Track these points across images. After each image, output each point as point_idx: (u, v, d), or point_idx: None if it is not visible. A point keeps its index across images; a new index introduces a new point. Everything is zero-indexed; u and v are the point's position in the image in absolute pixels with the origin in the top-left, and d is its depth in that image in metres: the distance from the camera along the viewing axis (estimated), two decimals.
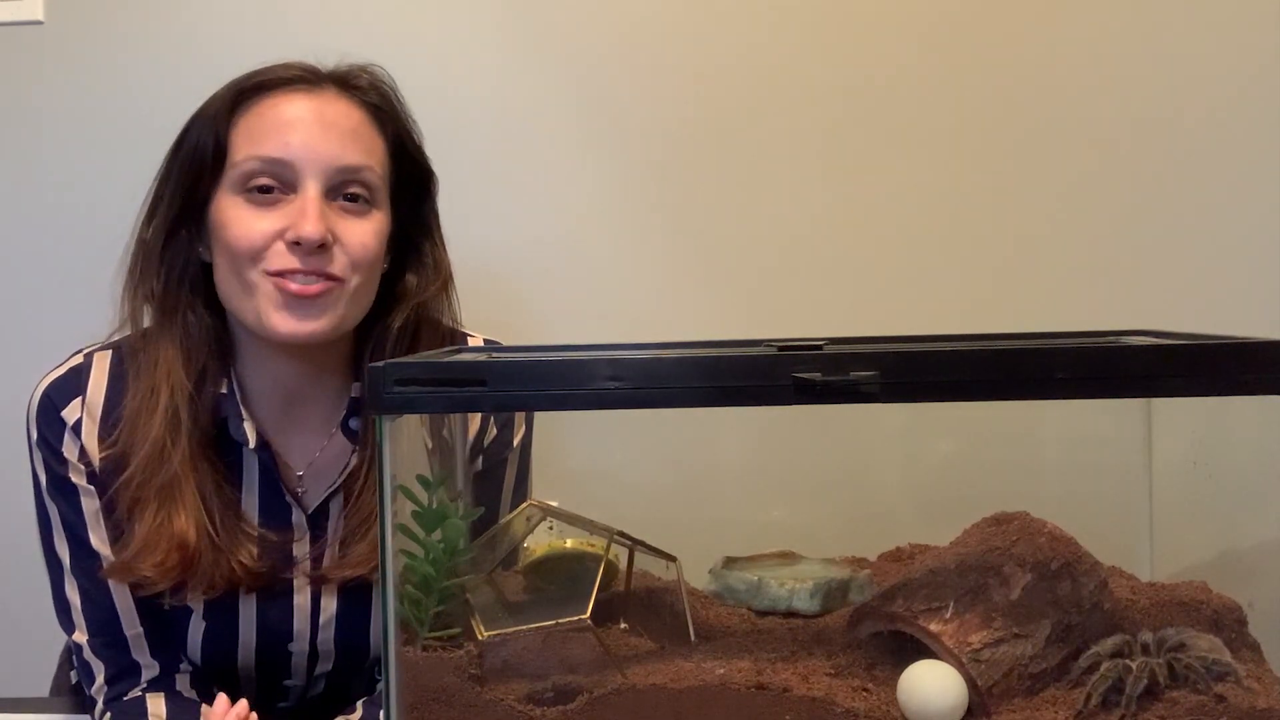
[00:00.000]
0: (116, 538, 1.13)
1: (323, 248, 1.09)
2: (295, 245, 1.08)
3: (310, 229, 1.07)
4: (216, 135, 1.11)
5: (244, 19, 1.64)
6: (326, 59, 1.16)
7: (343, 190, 1.12)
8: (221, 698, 1.06)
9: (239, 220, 1.10)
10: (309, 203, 1.09)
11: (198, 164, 1.12)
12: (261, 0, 1.64)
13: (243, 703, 1.06)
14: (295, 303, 1.09)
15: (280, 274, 1.09)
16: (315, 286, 1.09)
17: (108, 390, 1.16)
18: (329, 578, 1.17)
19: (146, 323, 1.17)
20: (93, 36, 1.65)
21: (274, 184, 1.10)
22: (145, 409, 1.12)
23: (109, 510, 1.14)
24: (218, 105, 1.12)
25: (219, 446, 1.15)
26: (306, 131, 1.10)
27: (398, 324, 1.18)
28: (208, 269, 1.15)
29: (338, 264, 1.10)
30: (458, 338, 1.24)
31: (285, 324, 1.09)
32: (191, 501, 1.11)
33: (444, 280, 1.22)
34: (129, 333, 1.17)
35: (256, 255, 1.09)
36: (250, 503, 1.17)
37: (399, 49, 1.60)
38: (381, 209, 1.15)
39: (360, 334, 1.19)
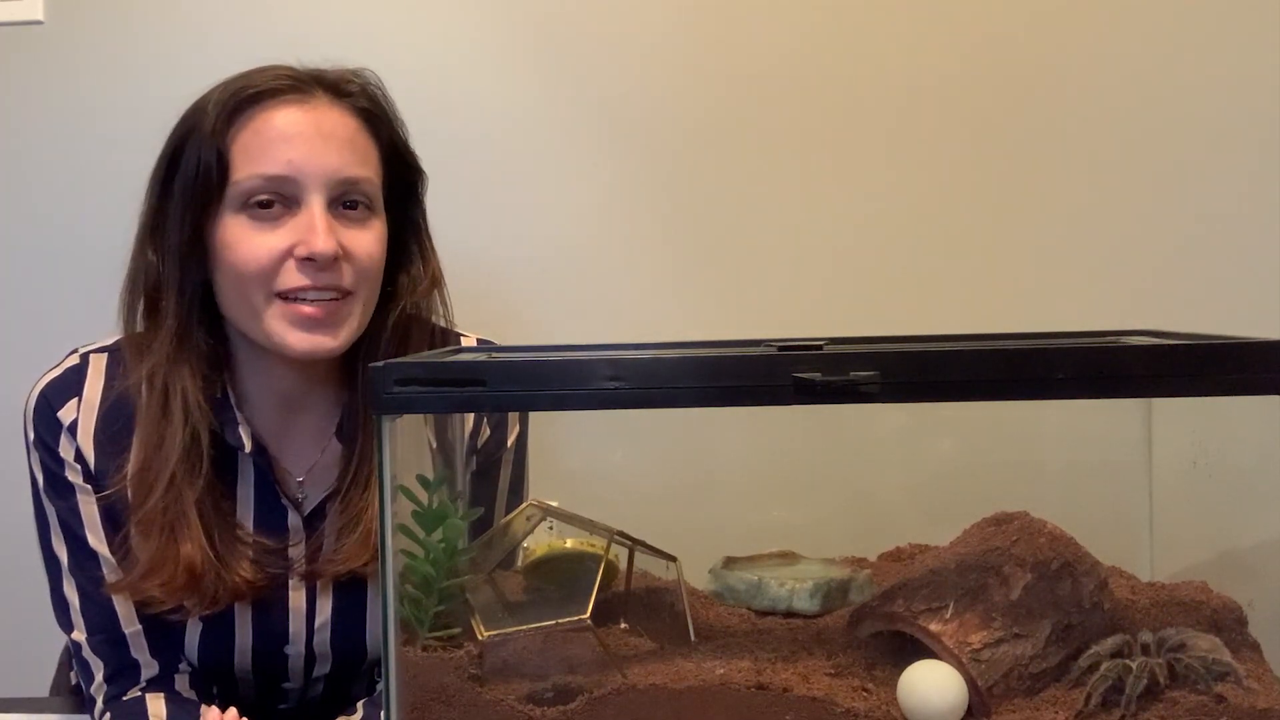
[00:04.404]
0: (123, 557, 1.13)
1: (334, 261, 1.08)
2: (307, 261, 1.07)
3: (322, 244, 1.07)
4: (219, 153, 1.08)
5: (244, 18, 1.63)
6: (309, 60, 1.15)
7: (343, 199, 1.11)
8: (213, 711, 1.05)
9: (244, 240, 1.08)
10: (317, 217, 1.08)
11: (204, 185, 1.09)
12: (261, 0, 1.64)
13: (231, 711, 1.05)
14: (309, 322, 1.09)
15: (291, 295, 1.08)
16: (327, 305, 1.09)
17: (104, 391, 1.16)
18: (322, 573, 1.17)
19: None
20: (93, 36, 1.65)
21: (275, 199, 1.09)
22: (166, 438, 1.11)
23: (116, 530, 1.14)
24: (212, 121, 1.09)
25: (215, 455, 1.15)
26: (307, 145, 1.09)
27: (390, 323, 1.17)
28: (207, 284, 1.13)
29: (347, 277, 1.10)
30: (450, 337, 1.24)
31: (302, 342, 1.09)
32: (194, 522, 1.10)
33: (433, 278, 1.22)
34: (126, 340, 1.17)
35: (266, 276, 1.08)
36: (245, 509, 1.17)
37: (400, 49, 1.61)
38: (379, 215, 1.15)
39: None
